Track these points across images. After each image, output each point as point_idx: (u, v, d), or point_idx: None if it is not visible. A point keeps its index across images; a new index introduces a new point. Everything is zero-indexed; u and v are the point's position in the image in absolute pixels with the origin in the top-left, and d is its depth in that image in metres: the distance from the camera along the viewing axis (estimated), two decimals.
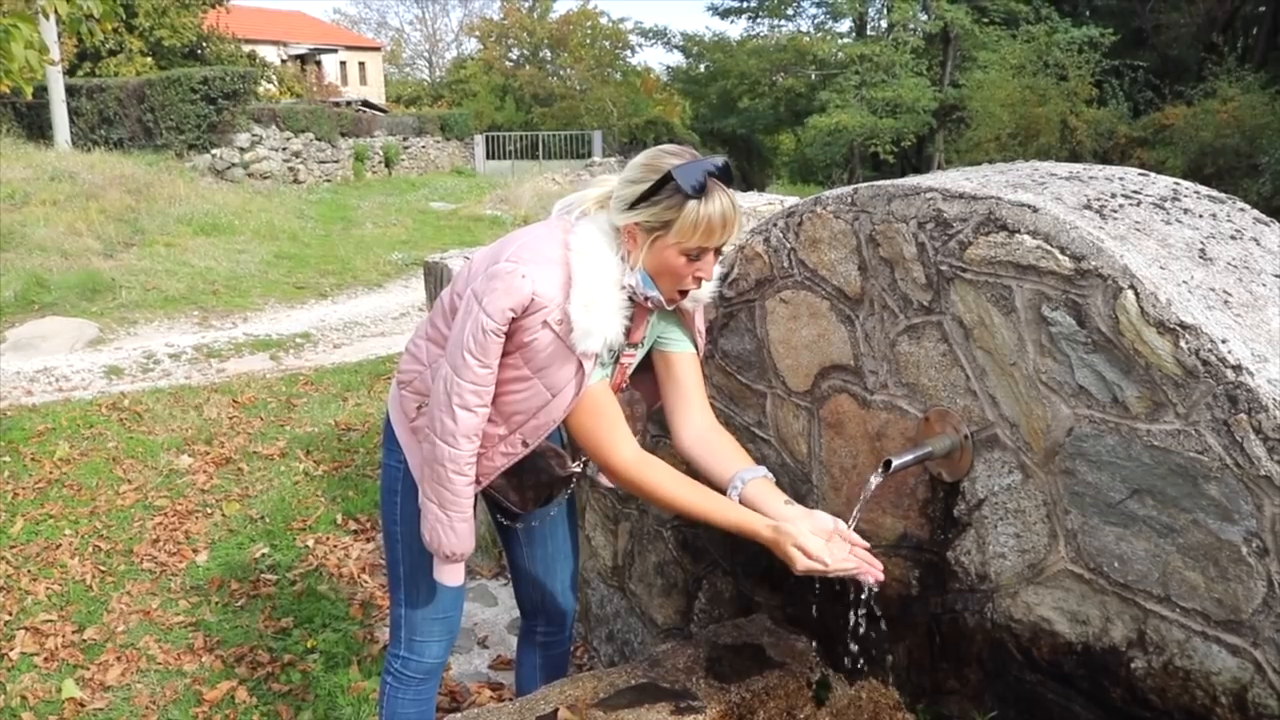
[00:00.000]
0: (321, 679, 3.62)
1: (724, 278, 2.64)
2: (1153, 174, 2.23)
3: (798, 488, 2.54)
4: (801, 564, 1.97)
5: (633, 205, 2.03)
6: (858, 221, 2.23)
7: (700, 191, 1.97)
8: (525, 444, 2.17)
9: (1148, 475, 1.74)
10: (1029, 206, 1.90)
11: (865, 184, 2.26)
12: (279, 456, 5.88)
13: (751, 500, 2.12)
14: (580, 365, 2.06)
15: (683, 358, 2.29)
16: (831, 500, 2.45)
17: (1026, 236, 1.87)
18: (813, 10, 37.43)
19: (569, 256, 2.04)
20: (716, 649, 2.47)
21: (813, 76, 34.74)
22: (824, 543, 2.00)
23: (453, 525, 2.18)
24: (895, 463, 2.05)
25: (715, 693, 2.24)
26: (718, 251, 2.07)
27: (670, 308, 2.16)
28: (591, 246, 2.06)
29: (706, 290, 2.20)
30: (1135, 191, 2.05)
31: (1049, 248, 1.84)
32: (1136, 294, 1.70)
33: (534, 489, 2.31)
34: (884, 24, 34.27)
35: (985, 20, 30.34)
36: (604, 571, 3.45)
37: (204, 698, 3.55)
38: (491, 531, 4.37)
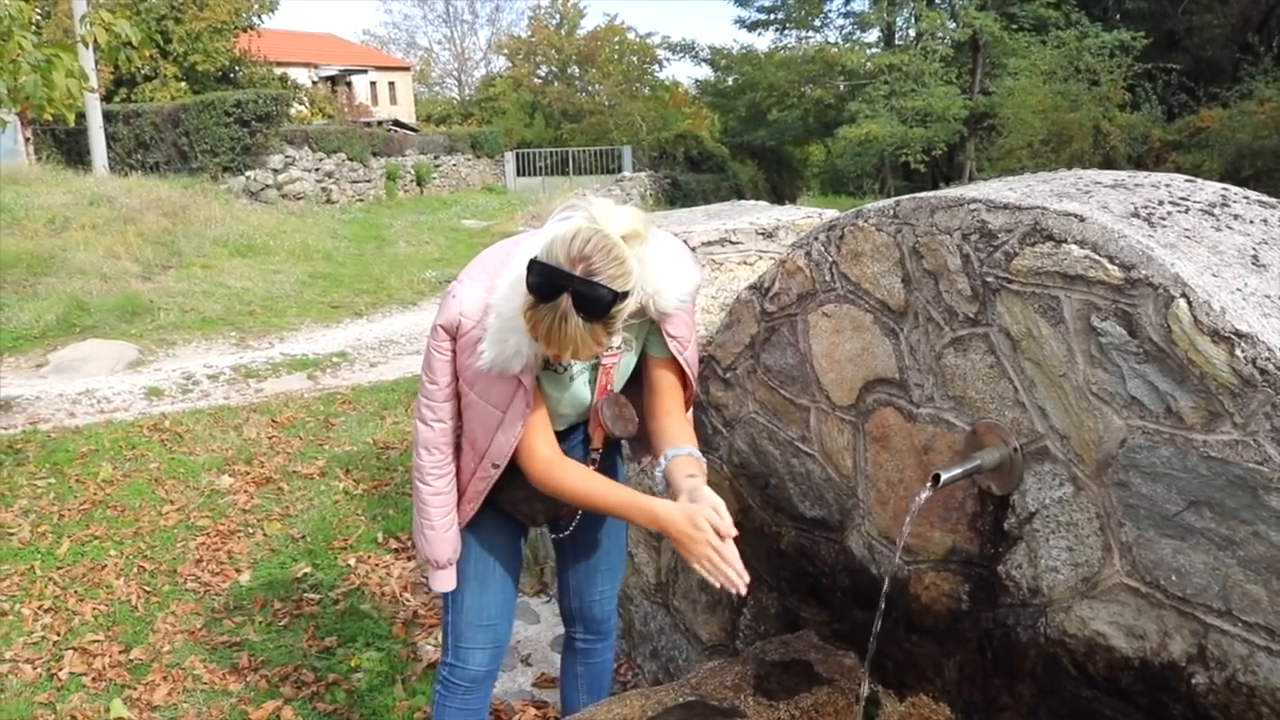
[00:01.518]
0: (366, 698, 3.63)
1: (764, 292, 2.63)
2: (1199, 180, 2.20)
3: (844, 502, 2.52)
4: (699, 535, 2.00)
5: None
6: (900, 234, 2.22)
7: (542, 296, 1.91)
8: (495, 465, 2.25)
9: (1205, 487, 1.71)
10: (1076, 216, 1.88)
11: (907, 196, 2.24)
12: (319, 476, 5.92)
13: (669, 474, 2.17)
14: (520, 381, 2.12)
15: (655, 361, 2.32)
16: (878, 515, 2.43)
17: (1074, 246, 1.85)
18: (840, 21, 37.38)
19: (504, 269, 2.09)
20: (764, 666, 2.46)
21: (841, 87, 34.62)
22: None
23: (423, 530, 2.36)
24: (944, 476, 2.03)
25: (764, 710, 2.22)
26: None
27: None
28: (506, 291, 2.05)
29: (670, 300, 2.15)
30: (1183, 198, 2.03)
31: (1097, 257, 1.82)
32: (1189, 302, 1.68)
33: (541, 502, 2.39)
34: (912, 33, 34.11)
35: (1014, 27, 30.12)
36: (647, 588, 3.44)
37: (249, 717, 3.56)
38: (533, 548, 4.37)
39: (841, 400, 2.47)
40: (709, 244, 3.28)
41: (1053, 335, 1.92)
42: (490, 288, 2.09)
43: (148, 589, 4.58)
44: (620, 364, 2.28)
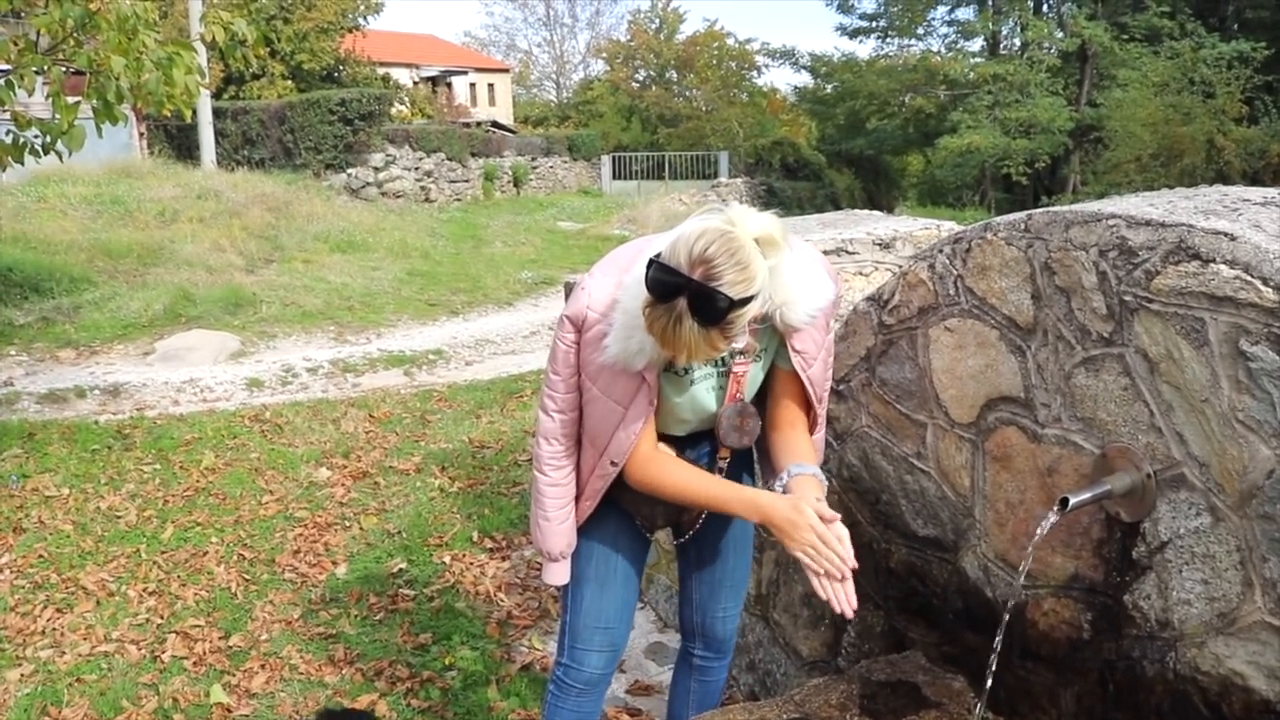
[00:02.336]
0: (460, 697, 3.64)
1: (883, 304, 2.57)
2: None
3: (959, 522, 2.45)
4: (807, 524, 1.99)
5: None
6: (1031, 249, 2.14)
7: (659, 296, 1.89)
8: (614, 464, 2.22)
9: None
10: (1225, 234, 1.80)
11: (1040, 210, 2.17)
12: (414, 472, 5.97)
13: (790, 491, 2.12)
14: (644, 378, 2.10)
15: (780, 373, 2.26)
16: (995, 536, 2.36)
17: (1223, 266, 1.77)
18: (944, 30, 36.66)
19: (633, 265, 2.04)
20: (870, 686, 2.40)
21: (943, 96, 34.06)
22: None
23: (538, 521, 2.36)
24: (1073, 501, 1.96)
25: None
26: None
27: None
28: (634, 280, 2.00)
29: (799, 314, 2.07)
30: None
31: (1249, 278, 1.73)
32: None
33: (660, 505, 2.36)
34: (1018, 42, 33.47)
35: (1125, 37, 29.31)
36: (747, 600, 3.39)
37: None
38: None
39: (961, 417, 2.40)
40: (825, 254, 3.23)
41: (1195, 358, 1.84)
42: (619, 283, 2.06)
43: (247, 577, 4.66)
44: (751, 373, 2.22)
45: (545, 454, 2.30)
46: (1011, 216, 2.22)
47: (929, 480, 2.52)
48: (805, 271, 2.07)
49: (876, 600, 2.77)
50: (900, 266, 2.59)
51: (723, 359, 2.18)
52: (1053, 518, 1.97)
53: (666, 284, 1.86)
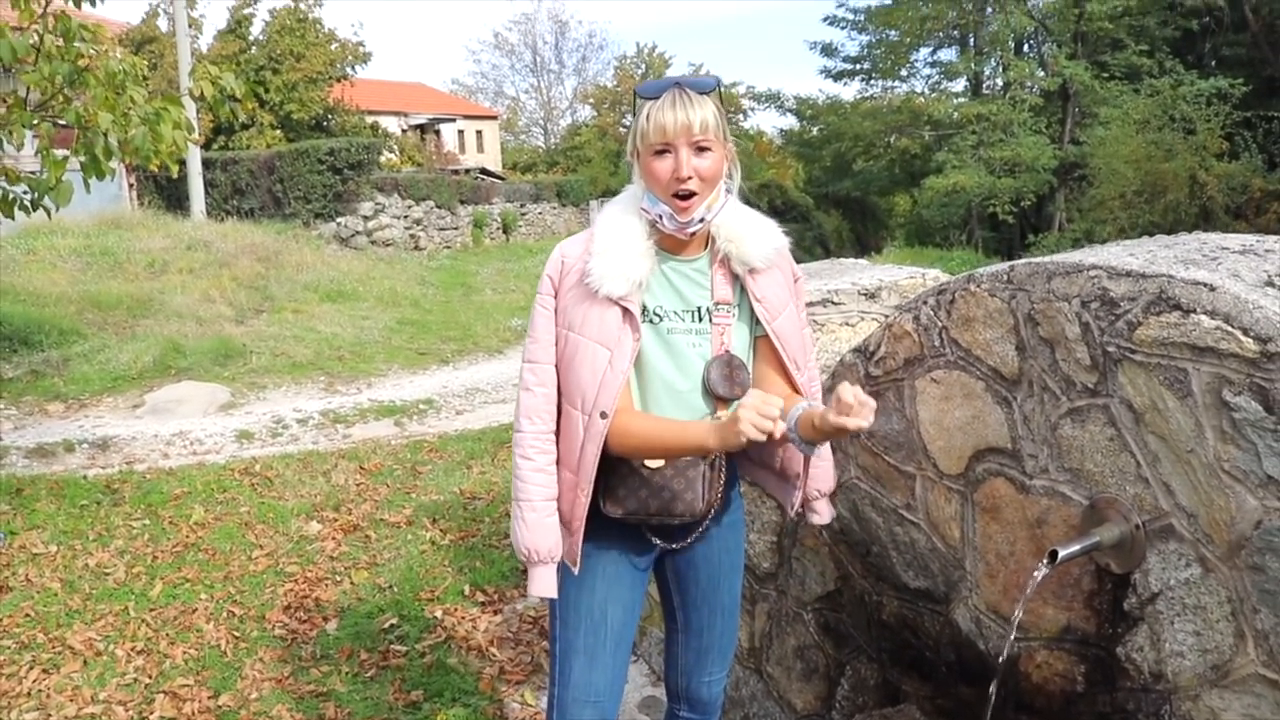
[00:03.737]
0: None
1: (869, 355, 2.58)
2: None
3: (950, 573, 2.44)
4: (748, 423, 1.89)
5: (629, 138, 2.21)
6: (1015, 300, 2.15)
7: (653, 95, 2.12)
8: (603, 415, 2.14)
9: None
10: (1205, 285, 1.81)
11: (1022, 261, 2.18)
12: (405, 524, 5.94)
13: (802, 425, 2.07)
14: (627, 312, 2.14)
15: (759, 346, 2.28)
16: (986, 588, 2.35)
17: (1204, 317, 1.78)
18: (927, 71, 37.04)
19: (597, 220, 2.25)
20: None
21: (928, 137, 34.36)
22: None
23: (522, 516, 2.24)
24: (1062, 553, 1.95)
25: None
26: (700, 151, 2.11)
27: (685, 223, 2.14)
28: (610, 207, 2.26)
29: (753, 248, 2.21)
30: None
31: (1230, 329, 1.74)
32: None
33: (648, 490, 2.24)
34: (1000, 82, 33.81)
35: (1106, 75, 29.66)
36: (740, 652, 3.37)
37: None
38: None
39: (949, 469, 2.40)
40: (810, 305, 3.24)
41: (1180, 409, 1.84)
42: (589, 236, 2.23)
43: (236, 634, 4.61)
44: (734, 331, 2.23)
45: (529, 435, 2.24)
46: (994, 267, 2.23)
47: (919, 532, 2.52)
48: (751, 215, 2.26)
49: (870, 653, 2.76)
50: (886, 317, 2.59)
51: (700, 314, 2.22)
52: (1043, 571, 1.97)
53: (658, 83, 2.14)
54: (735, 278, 2.22)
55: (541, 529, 2.24)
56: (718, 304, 2.21)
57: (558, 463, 2.27)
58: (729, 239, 2.19)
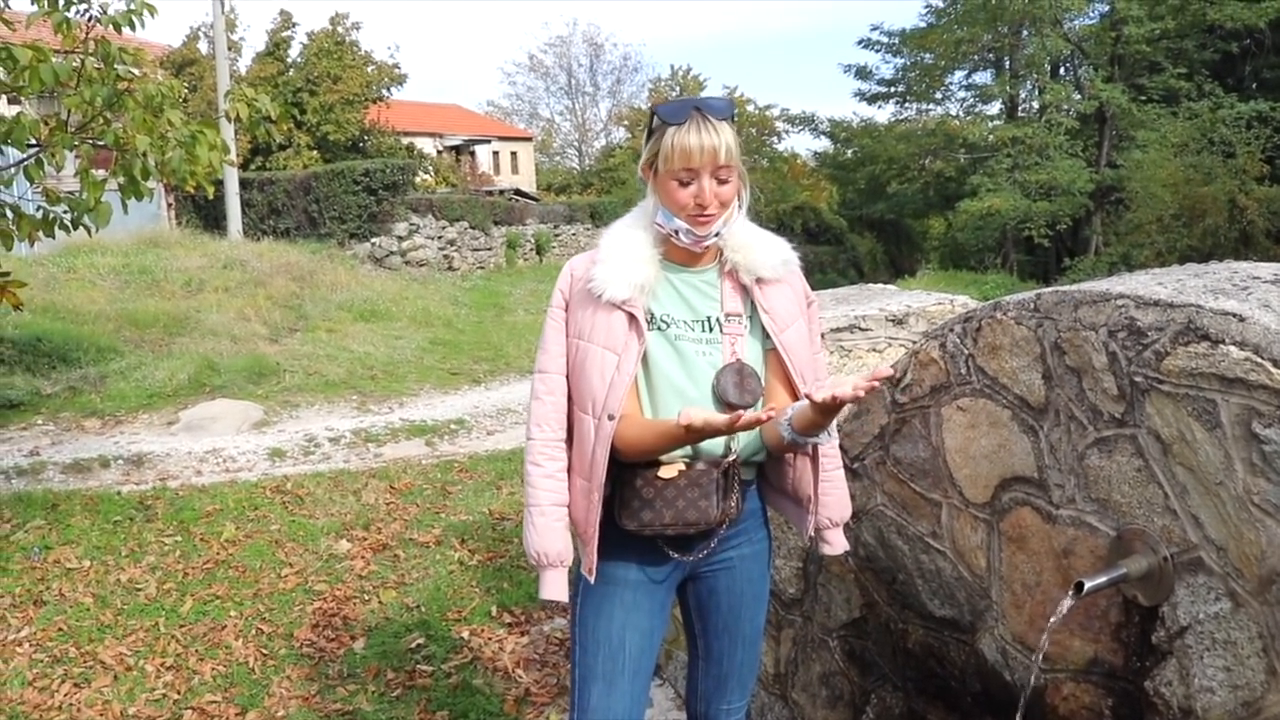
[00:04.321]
0: None
1: (896, 382, 2.57)
2: None
3: (975, 603, 2.42)
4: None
5: (644, 152, 2.24)
6: (1041, 328, 2.14)
7: (676, 119, 2.14)
8: (610, 417, 2.18)
9: None
10: (1234, 315, 1.79)
11: (1049, 290, 2.17)
12: (434, 544, 5.95)
13: (796, 421, 2.10)
14: (633, 318, 2.18)
15: (769, 360, 2.29)
16: (1013, 618, 2.32)
17: (1233, 348, 1.76)
18: (962, 94, 36.93)
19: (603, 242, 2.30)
20: None
21: (963, 160, 34.21)
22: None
23: (533, 520, 2.30)
24: (1088, 585, 1.93)
25: None
26: (721, 180, 2.16)
27: (702, 236, 2.19)
28: (617, 223, 2.31)
29: (760, 258, 2.26)
30: None
31: (1259, 360, 1.72)
32: None
33: (660, 501, 2.21)
34: (1036, 105, 33.67)
35: (1143, 99, 29.45)
36: (765, 678, 3.35)
37: None
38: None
39: (975, 497, 2.38)
40: (838, 330, 3.23)
41: (1208, 440, 1.82)
42: (593, 256, 2.28)
43: (265, 651, 4.63)
44: (745, 344, 2.24)
45: (538, 442, 2.31)
46: (1021, 296, 2.22)
47: (945, 560, 2.50)
48: (760, 231, 2.32)
49: (895, 681, 2.74)
50: (914, 343, 2.58)
51: (710, 324, 2.25)
52: (1069, 602, 1.95)
53: (678, 106, 2.17)
54: (745, 290, 2.26)
55: (551, 533, 2.30)
56: (728, 315, 2.25)
57: (571, 471, 2.32)
58: (735, 249, 2.25)
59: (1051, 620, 1.97)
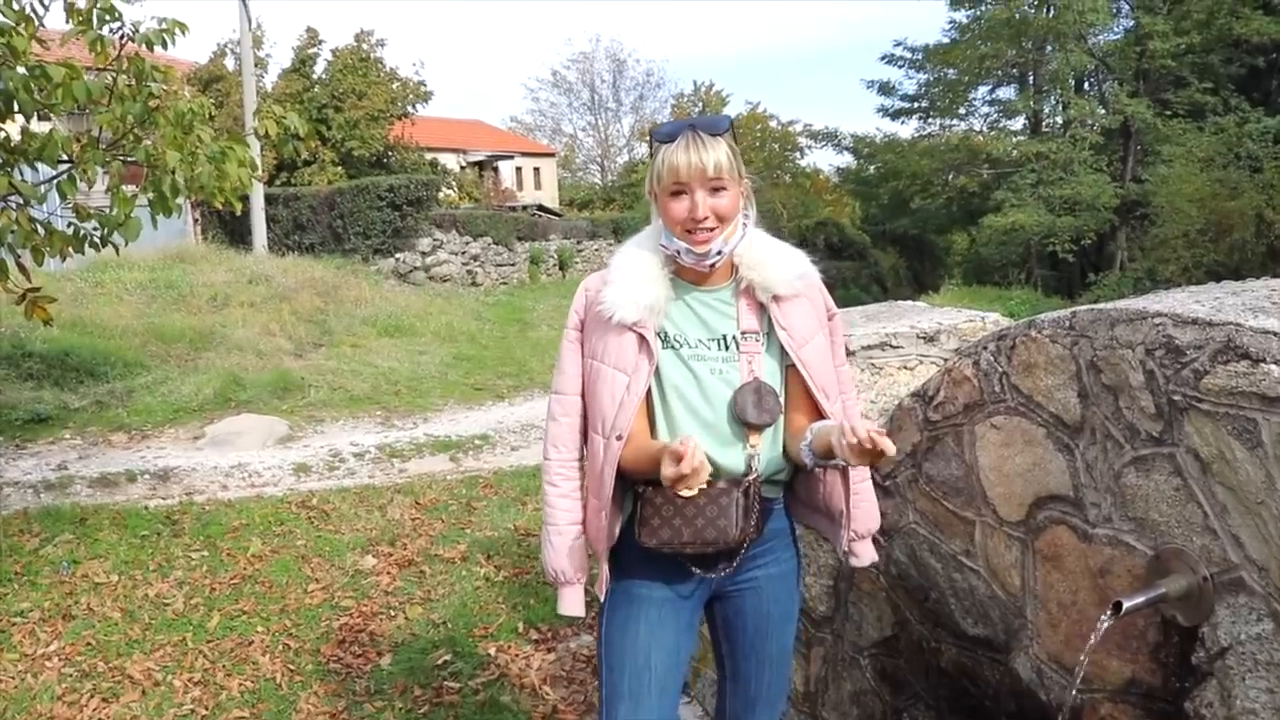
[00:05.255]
0: None
1: (928, 400, 2.55)
2: None
3: (1010, 621, 2.40)
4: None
5: (647, 178, 2.27)
6: (1077, 346, 2.13)
7: (668, 139, 2.17)
8: (619, 438, 2.20)
9: None
10: (1275, 334, 1.77)
11: (1084, 308, 2.15)
12: (460, 560, 5.95)
13: (817, 441, 2.12)
14: (643, 339, 2.20)
15: (789, 378, 2.29)
16: (1048, 637, 2.30)
17: (1274, 366, 1.74)
18: (985, 109, 36.78)
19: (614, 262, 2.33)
20: None
21: (986, 175, 34.06)
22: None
23: (549, 539, 2.36)
24: (1126, 605, 1.91)
25: None
26: (716, 190, 2.15)
27: (703, 255, 2.19)
28: (628, 244, 2.34)
29: (775, 273, 2.24)
30: None
31: None
32: None
33: (680, 519, 2.19)
34: (1060, 120, 33.53)
35: (1168, 113, 29.26)
36: (795, 697, 3.33)
37: None
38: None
39: (1009, 515, 2.37)
40: (868, 348, 3.22)
41: (1249, 459, 1.80)
42: (604, 276, 2.30)
43: (292, 667, 4.64)
44: (763, 362, 2.24)
45: (554, 463, 2.35)
46: (1056, 314, 2.21)
47: (978, 579, 2.48)
48: (777, 244, 2.31)
49: (927, 700, 2.72)
50: (945, 360, 2.57)
51: (726, 342, 2.25)
52: (1106, 622, 1.93)
53: (672, 127, 2.19)
54: (762, 308, 2.26)
55: (567, 551, 2.35)
56: (744, 333, 2.25)
57: (587, 490, 2.34)
58: (751, 266, 2.25)
59: (1091, 639, 1.95)
